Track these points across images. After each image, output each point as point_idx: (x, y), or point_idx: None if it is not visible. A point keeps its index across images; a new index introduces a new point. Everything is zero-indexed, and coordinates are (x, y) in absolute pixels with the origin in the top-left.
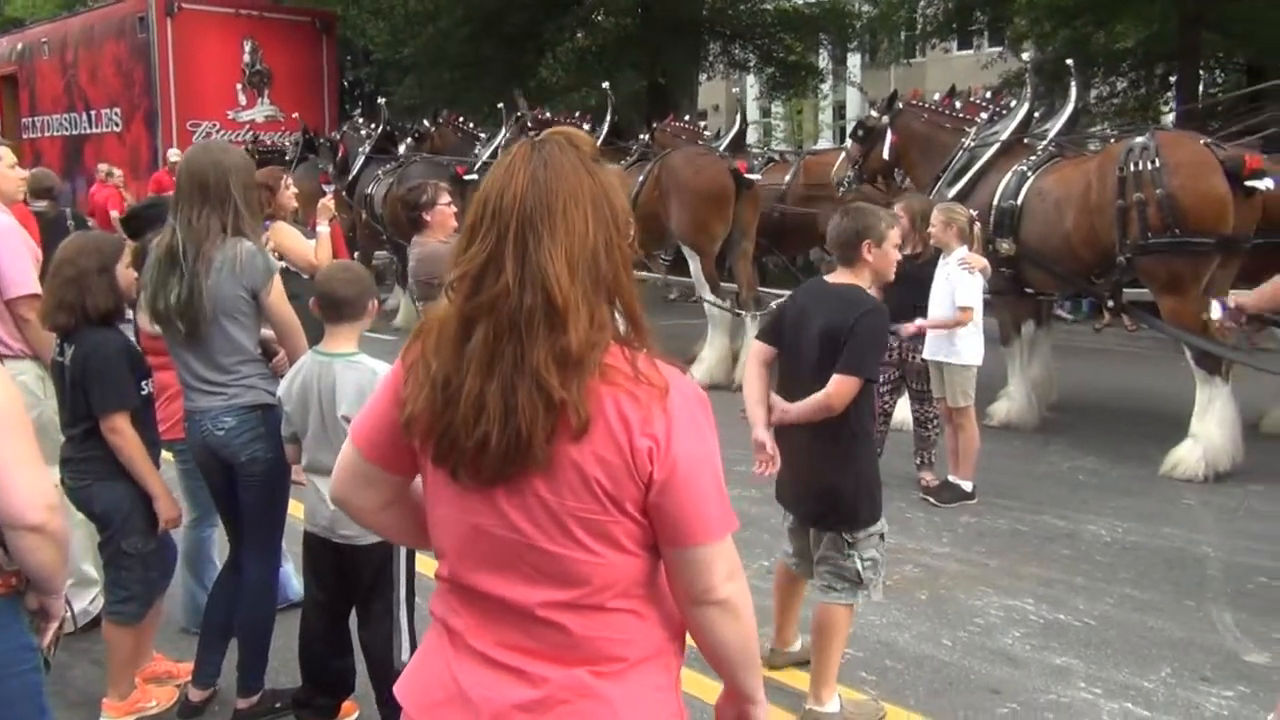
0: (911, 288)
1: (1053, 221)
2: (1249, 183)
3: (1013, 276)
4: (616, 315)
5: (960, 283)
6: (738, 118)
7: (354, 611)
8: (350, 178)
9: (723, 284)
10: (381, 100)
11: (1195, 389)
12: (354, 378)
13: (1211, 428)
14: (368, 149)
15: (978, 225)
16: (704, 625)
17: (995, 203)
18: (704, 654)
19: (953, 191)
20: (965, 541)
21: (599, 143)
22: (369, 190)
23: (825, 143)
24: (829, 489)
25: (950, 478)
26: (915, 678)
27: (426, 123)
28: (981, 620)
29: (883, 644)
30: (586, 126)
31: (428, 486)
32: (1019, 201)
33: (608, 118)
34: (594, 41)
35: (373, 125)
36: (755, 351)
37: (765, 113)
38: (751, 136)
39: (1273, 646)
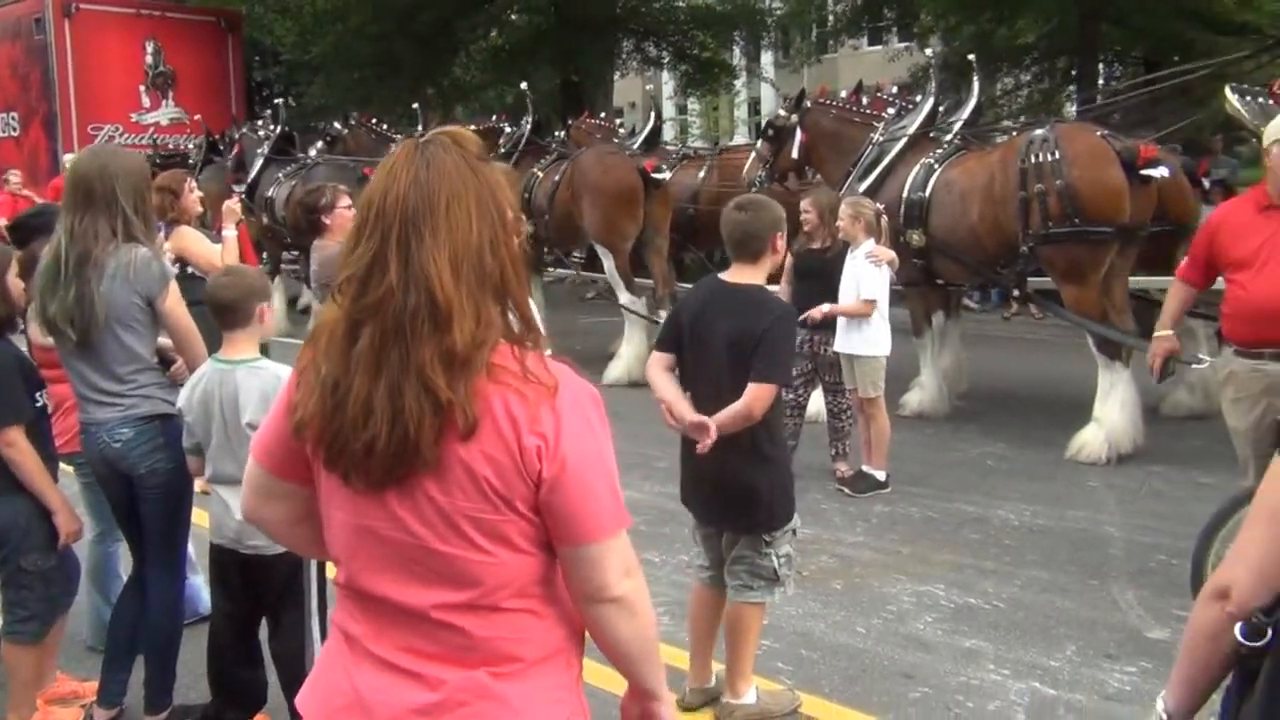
0: (821, 281)
1: (959, 213)
2: (1144, 171)
3: (923, 268)
4: (509, 314)
5: (865, 276)
6: (652, 115)
7: (265, 623)
8: (249, 180)
9: (638, 280)
10: (279, 101)
11: (1098, 374)
12: (257, 384)
13: (1113, 412)
14: (266, 150)
15: (885, 218)
16: (601, 623)
17: (904, 195)
18: (603, 652)
19: (863, 186)
20: (879, 530)
21: (522, 141)
22: (270, 193)
23: (741, 139)
24: (746, 490)
25: (864, 468)
26: (830, 666)
27: (338, 125)
28: (895, 607)
29: (799, 634)
30: (506, 126)
31: (322, 492)
32: (927, 194)
33: (529, 116)
34: (507, 40)
35: (271, 126)
36: (656, 360)
37: (682, 109)
38: (668, 133)
39: (1172, 623)
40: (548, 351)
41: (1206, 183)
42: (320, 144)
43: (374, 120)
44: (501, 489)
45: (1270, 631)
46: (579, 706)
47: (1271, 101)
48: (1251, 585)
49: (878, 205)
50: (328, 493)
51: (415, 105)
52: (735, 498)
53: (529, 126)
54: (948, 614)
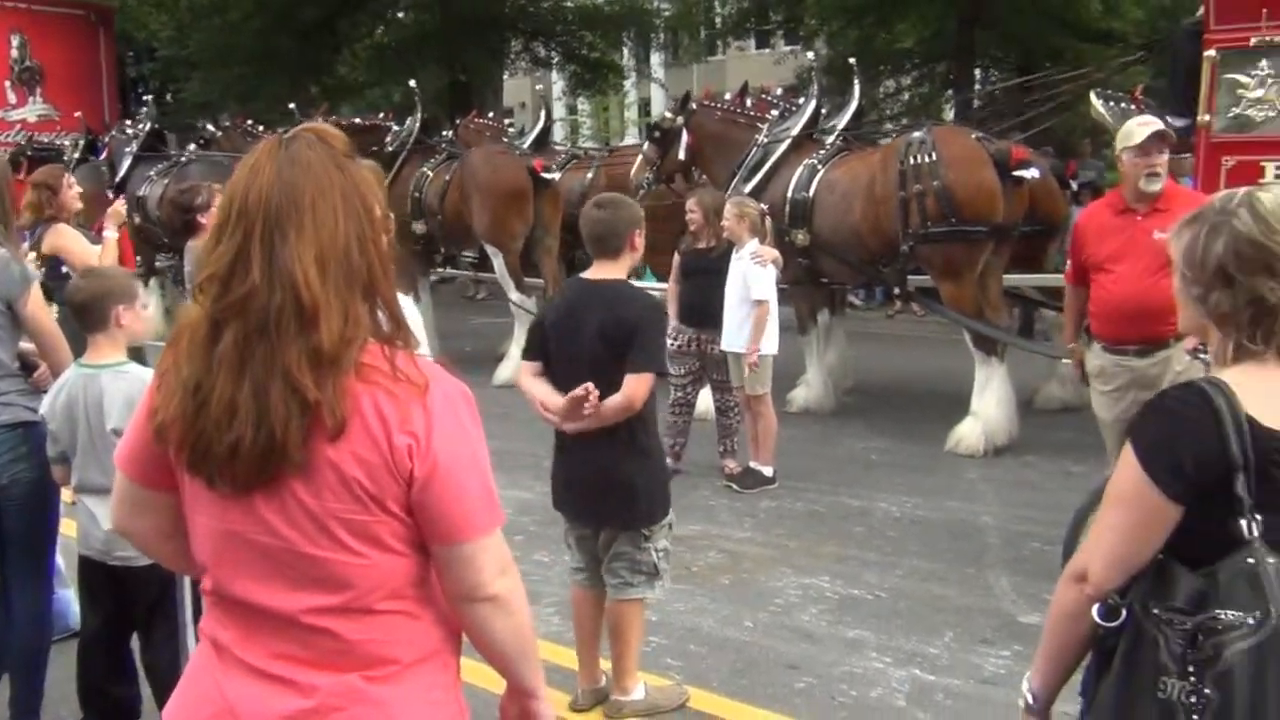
0: (707, 280)
1: (842, 213)
2: (1016, 172)
3: (808, 267)
4: (378, 313)
5: (754, 276)
6: (542, 115)
7: (137, 636)
8: (118, 179)
9: (528, 280)
10: (149, 98)
11: (975, 370)
12: (123, 389)
13: (990, 405)
14: (134, 149)
15: (768, 218)
16: (476, 622)
17: (788, 196)
18: (480, 651)
19: (748, 186)
20: (766, 525)
21: (411, 140)
22: (141, 192)
23: (632, 139)
24: (625, 485)
25: (752, 464)
26: (718, 660)
27: (211, 126)
28: (781, 600)
29: (687, 630)
30: (393, 125)
31: (185, 497)
32: (811, 194)
33: (418, 115)
34: (392, 38)
35: (140, 124)
36: (525, 368)
37: (572, 110)
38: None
39: (1044, 608)
40: (421, 351)
41: (1075, 184)
42: (193, 146)
43: (248, 121)
44: (372, 489)
45: (1125, 612)
46: (458, 707)
47: (1134, 107)
48: (1106, 568)
49: (761, 205)
50: (191, 498)
51: (292, 105)
52: (614, 493)
53: (417, 125)
54: (832, 605)
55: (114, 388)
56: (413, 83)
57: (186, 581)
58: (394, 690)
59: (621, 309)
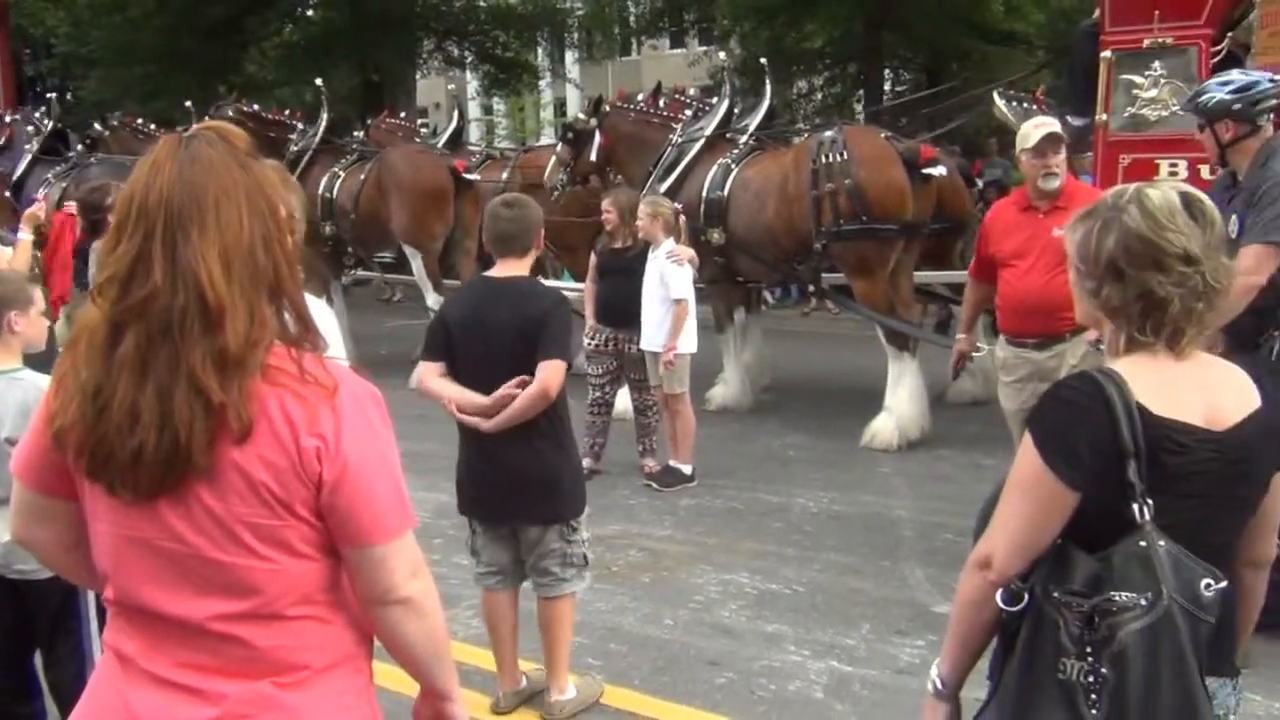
0: (624, 279)
1: (756, 211)
2: (924, 170)
3: (724, 265)
4: (284, 314)
5: (671, 276)
6: (455, 115)
7: (40, 652)
8: (14, 177)
9: (446, 281)
10: (52, 96)
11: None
12: (17, 395)
13: (903, 400)
14: (34, 147)
15: (683, 217)
16: (389, 625)
17: (703, 195)
18: (392, 655)
19: (664, 186)
20: (686, 523)
21: (316, 140)
22: (39, 194)
23: (548, 139)
24: (551, 479)
25: (671, 463)
26: (639, 658)
27: (98, 126)
28: (701, 597)
29: (608, 629)
30: (299, 124)
31: (86, 505)
32: (725, 193)
33: (323, 115)
34: (302, 36)
35: (45, 122)
36: (429, 369)
37: (487, 110)
38: (474, 134)
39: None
40: (334, 353)
41: (980, 183)
42: (80, 146)
43: (138, 120)
44: (280, 493)
45: (1026, 596)
46: (370, 712)
47: (1035, 106)
48: (1009, 554)
49: (676, 205)
50: (92, 506)
51: (188, 103)
52: (541, 488)
53: (324, 125)
54: (751, 601)
55: (8, 395)
56: (319, 81)
57: (90, 593)
58: (305, 696)
59: (532, 304)
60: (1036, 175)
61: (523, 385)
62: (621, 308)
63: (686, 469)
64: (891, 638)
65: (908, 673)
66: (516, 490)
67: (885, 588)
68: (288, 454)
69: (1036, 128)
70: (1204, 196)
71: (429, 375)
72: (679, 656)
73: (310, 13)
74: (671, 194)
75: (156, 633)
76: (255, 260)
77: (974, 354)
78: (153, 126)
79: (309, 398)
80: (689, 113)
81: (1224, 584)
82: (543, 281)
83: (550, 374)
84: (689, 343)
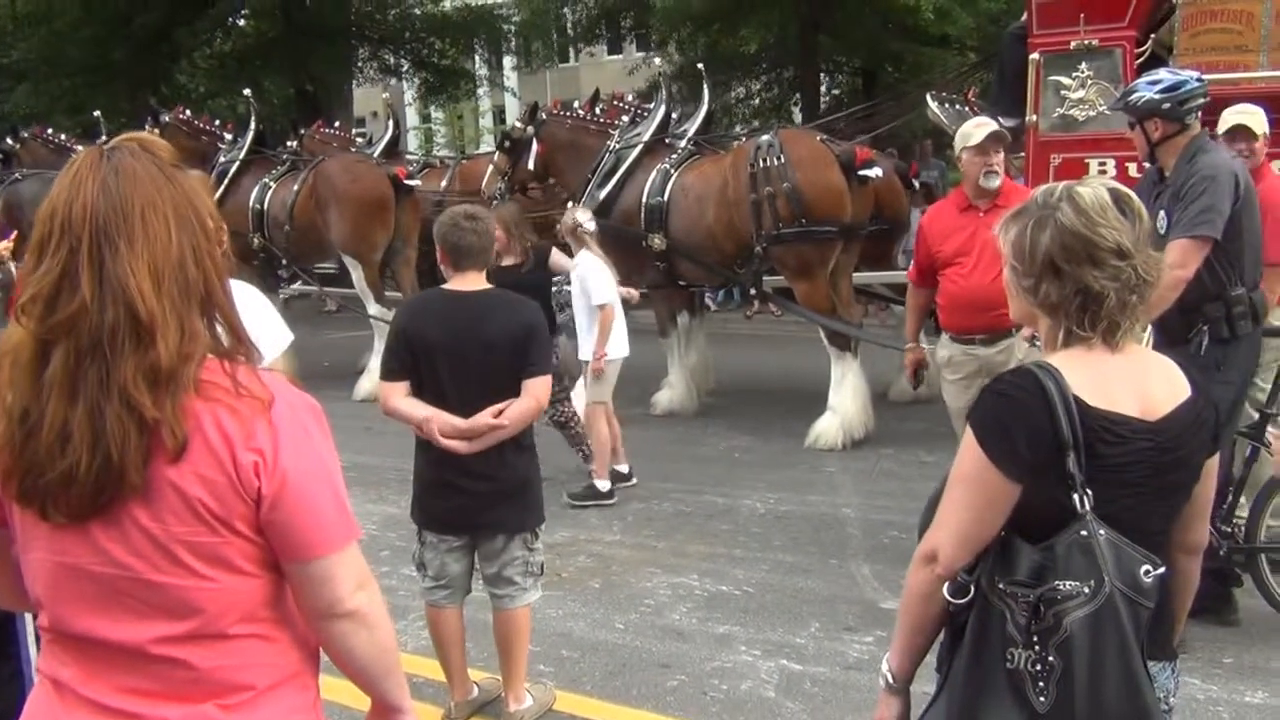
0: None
1: (696, 216)
2: (861, 172)
3: (665, 270)
4: (216, 327)
5: (592, 282)
6: (390, 123)
7: None
8: None
9: (388, 293)
10: None
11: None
12: None
13: (846, 400)
14: None
15: (593, 225)
16: (336, 640)
17: (643, 201)
18: (341, 669)
19: (603, 192)
20: (634, 528)
21: (243, 152)
22: None
23: (487, 147)
24: (521, 487)
25: (592, 474)
26: (591, 664)
27: (9, 139)
28: (651, 601)
29: (559, 635)
30: (229, 135)
31: (17, 532)
32: (665, 198)
33: (251, 125)
34: (234, 46)
35: None
36: (394, 389)
37: (426, 118)
38: (412, 143)
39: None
40: (264, 365)
41: (916, 184)
42: None
43: (48, 132)
44: (218, 510)
45: (973, 588)
46: None
47: (968, 109)
48: (954, 547)
49: (587, 214)
50: (23, 532)
51: (97, 113)
52: (512, 497)
53: (251, 135)
54: (701, 603)
55: None
56: (247, 92)
57: (28, 619)
58: (251, 717)
59: (518, 316)
60: (978, 173)
61: (497, 413)
62: None
63: (602, 485)
64: (841, 635)
65: (857, 669)
66: (488, 500)
67: (833, 586)
68: (224, 470)
69: (978, 126)
70: (1131, 193)
71: (394, 396)
72: (630, 661)
73: (242, 23)
74: (611, 200)
75: (95, 659)
76: (185, 273)
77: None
78: (62, 137)
79: (244, 411)
80: (626, 118)
81: (1162, 570)
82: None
83: (541, 388)
84: (619, 347)
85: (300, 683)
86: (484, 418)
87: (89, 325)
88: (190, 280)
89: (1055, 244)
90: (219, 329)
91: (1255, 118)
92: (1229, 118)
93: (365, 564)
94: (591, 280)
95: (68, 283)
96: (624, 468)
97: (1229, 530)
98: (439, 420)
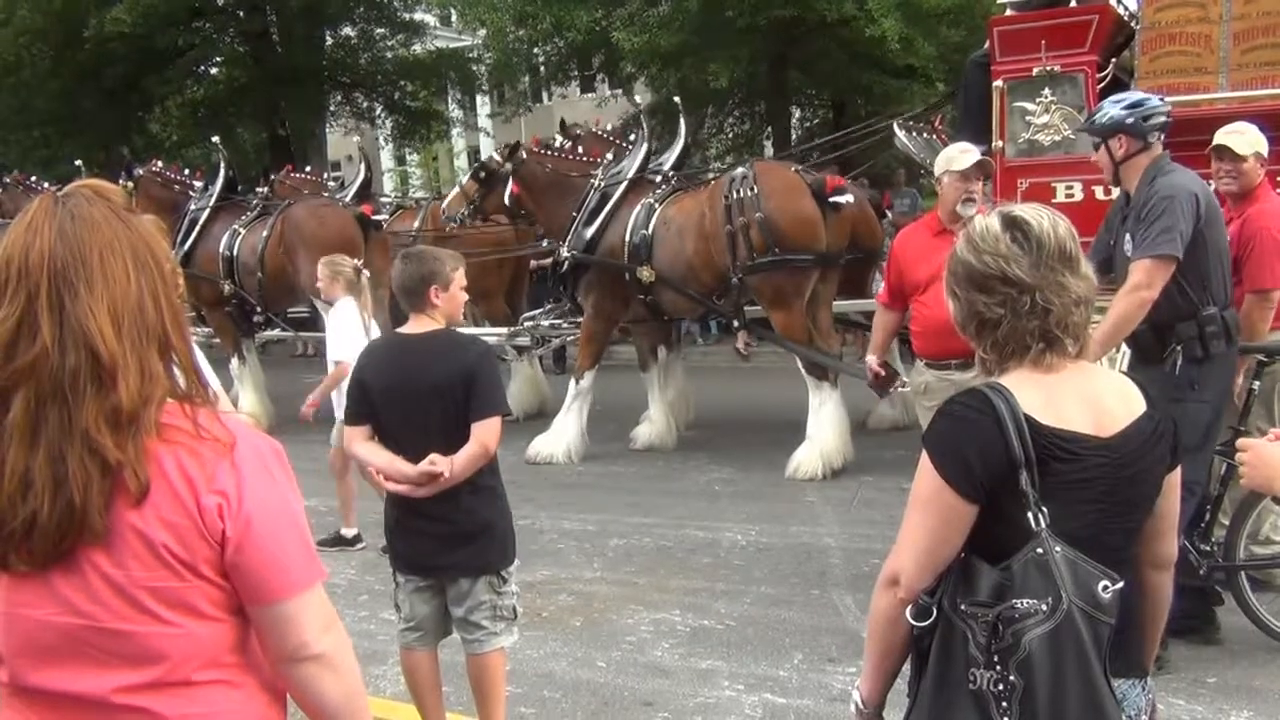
0: None
1: (678, 248)
2: (832, 199)
3: (650, 303)
4: (174, 369)
5: (331, 337)
6: (362, 166)
7: None
8: None
9: None
10: None
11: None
12: None
13: (825, 429)
14: None
15: (365, 273)
16: (303, 684)
17: (628, 235)
18: (308, 714)
19: (590, 230)
20: (615, 564)
21: (214, 199)
22: None
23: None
24: (484, 527)
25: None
26: (573, 704)
27: None
28: (633, 638)
29: (541, 676)
30: (199, 183)
31: None
32: (650, 232)
33: (220, 172)
34: (206, 94)
35: None
36: (355, 434)
37: (401, 160)
38: (388, 185)
39: None
40: (228, 408)
41: (890, 214)
42: None
43: (31, 179)
44: (183, 554)
45: (935, 610)
46: None
47: (935, 137)
48: (915, 570)
49: (356, 262)
50: None
51: (78, 163)
52: (474, 539)
53: (221, 182)
54: (684, 638)
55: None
56: (216, 139)
57: None
58: None
59: (457, 358)
60: (957, 199)
61: (444, 467)
62: None
63: (348, 532)
64: (824, 666)
65: (840, 700)
66: (445, 542)
67: (816, 617)
68: (188, 513)
69: (963, 153)
70: (1033, 219)
71: (356, 439)
72: (613, 699)
73: (214, 70)
74: (598, 236)
75: (57, 711)
76: (144, 315)
77: (901, 389)
78: (45, 185)
79: (206, 454)
80: (609, 155)
81: (1120, 585)
82: (461, 331)
83: (488, 432)
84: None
85: None
86: (424, 466)
87: (49, 369)
88: (149, 322)
89: (949, 271)
90: (175, 371)
91: (1242, 138)
92: (1218, 138)
93: (331, 606)
94: (332, 334)
95: (26, 329)
96: (348, 531)
97: (1209, 549)
98: (388, 468)
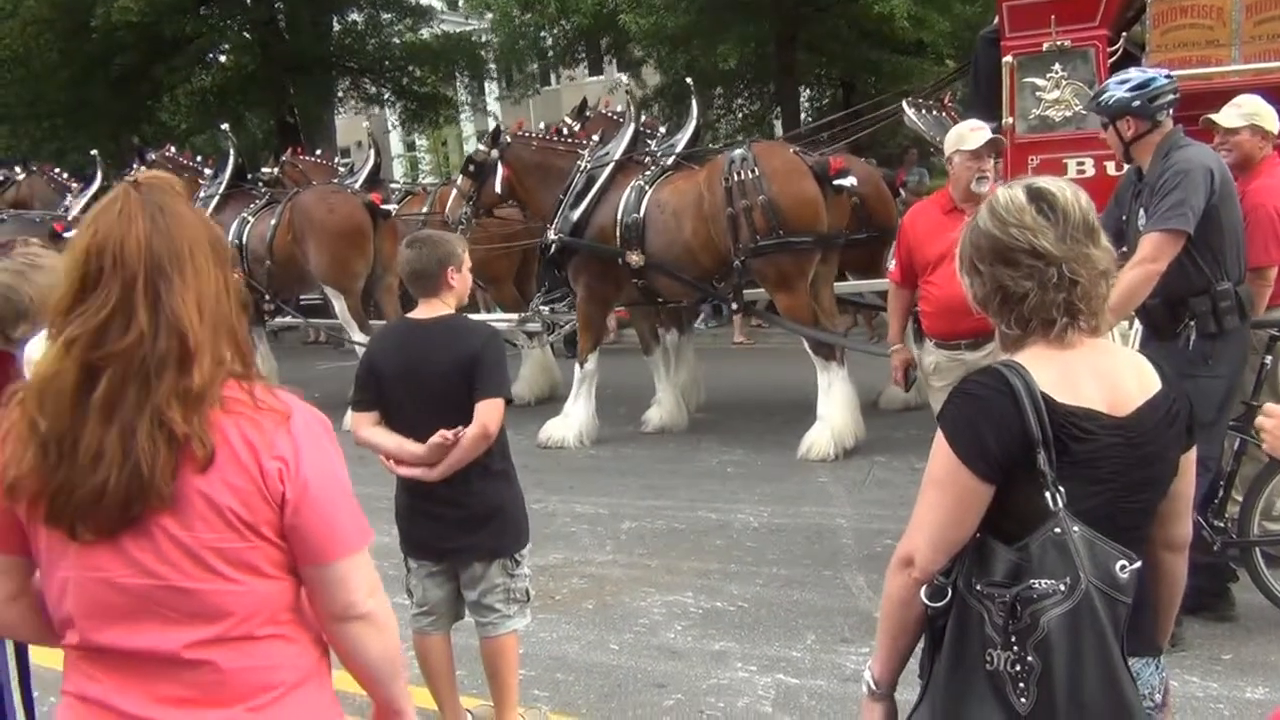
0: None
1: (674, 231)
2: (835, 181)
3: (643, 287)
4: (229, 354)
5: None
6: (371, 152)
7: None
8: None
9: (372, 321)
10: None
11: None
12: None
13: (835, 409)
14: None
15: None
16: (350, 641)
17: (619, 218)
18: (350, 670)
19: (576, 213)
20: (627, 546)
21: (223, 187)
22: None
23: None
24: (496, 512)
25: None
26: (586, 686)
27: (19, 169)
28: (646, 620)
29: (553, 659)
30: (209, 170)
31: (43, 553)
32: (641, 215)
33: (230, 160)
34: (214, 81)
35: None
36: (362, 419)
37: (410, 146)
38: (397, 170)
39: None
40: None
41: (903, 192)
42: None
43: (54, 169)
44: (247, 516)
45: (950, 591)
46: None
47: (944, 114)
48: (930, 550)
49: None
50: (50, 552)
51: (94, 152)
52: (487, 523)
53: (230, 169)
54: (696, 620)
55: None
56: (225, 127)
57: (11, 655)
58: (278, 716)
59: (465, 342)
60: (970, 178)
61: (456, 435)
62: None
63: None
64: (837, 646)
65: (854, 680)
66: (457, 526)
67: (828, 597)
68: (251, 477)
69: (974, 130)
70: (1057, 191)
71: (363, 425)
72: (625, 681)
73: (222, 58)
74: (585, 219)
75: (127, 670)
76: (220, 305)
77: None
78: (65, 176)
79: (265, 423)
80: (596, 138)
81: (1138, 564)
82: (469, 316)
83: (489, 413)
84: None
85: (320, 681)
86: (434, 439)
87: (141, 354)
88: (223, 311)
89: (972, 245)
90: (229, 354)
91: (1236, 110)
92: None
93: (375, 570)
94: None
95: (120, 317)
96: None
97: (1222, 525)
98: (398, 450)
